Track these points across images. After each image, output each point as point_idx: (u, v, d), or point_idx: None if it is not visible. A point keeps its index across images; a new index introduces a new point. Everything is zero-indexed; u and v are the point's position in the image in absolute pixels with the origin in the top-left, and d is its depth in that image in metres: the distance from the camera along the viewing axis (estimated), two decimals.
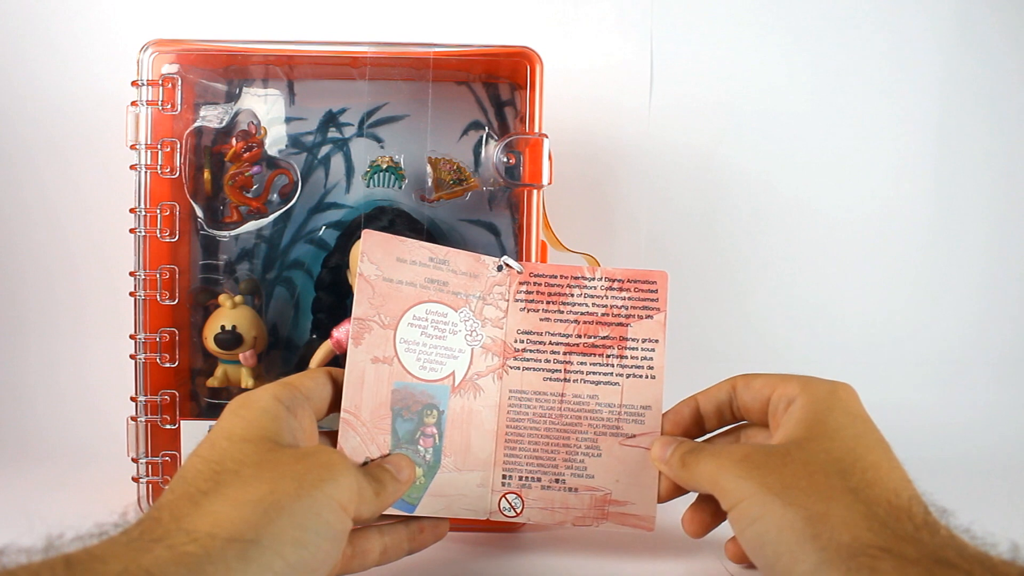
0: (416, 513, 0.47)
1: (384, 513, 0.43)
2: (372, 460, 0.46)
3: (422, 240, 0.50)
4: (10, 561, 0.29)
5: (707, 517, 0.46)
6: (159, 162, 0.56)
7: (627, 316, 0.49)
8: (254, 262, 0.60)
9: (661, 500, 0.47)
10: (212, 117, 0.58)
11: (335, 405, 0.47)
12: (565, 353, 0.49)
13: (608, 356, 0.49)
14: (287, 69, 0.59)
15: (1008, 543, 0.32)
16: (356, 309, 0.48)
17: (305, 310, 0.59)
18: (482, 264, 0.50)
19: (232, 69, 0.59)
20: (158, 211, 0.56)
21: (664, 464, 0.45)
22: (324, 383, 0.46)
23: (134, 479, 0.55)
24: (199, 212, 0.58)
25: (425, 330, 0.49)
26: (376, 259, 0.49)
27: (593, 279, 0.50)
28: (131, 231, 0.56)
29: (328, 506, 0.35)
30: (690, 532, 0.46)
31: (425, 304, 0.49)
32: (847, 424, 0.40)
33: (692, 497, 0.47)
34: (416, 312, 0.49)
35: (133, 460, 0.56)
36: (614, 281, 0.50)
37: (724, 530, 0.43)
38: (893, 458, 0.39)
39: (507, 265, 0.50)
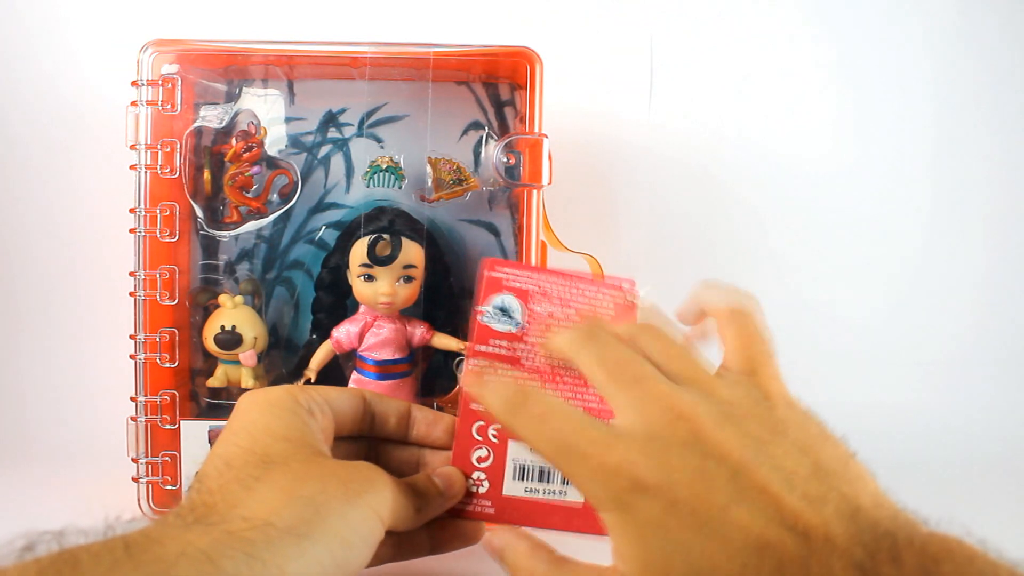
0: None
1: None
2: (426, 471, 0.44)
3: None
4: (70, 542, 0.29)
5: None
6: (159, 162, 0.56)
7: None
8: (254, 262, 0.60)
9: None
10: (212, 117, 0.58)
11: (359, 426, 0.44)
12: None
13: None
14: (287, 69, 0.59)
15: (976, 537, 0.30)
16: None
17: (305, 310, 0.59)
18: None
19: (232, 69, 0.59)
20: (158, 211, 0.56)
21: None
22: (351, 399, 0.43)
23: (134, 479, 0.56)
24: (199, 212, 0.58)
25: None
26: None
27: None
28: (131, 231, 0.56)
29: (368, 515, 0.36)
30: None
31: None
32: None
33: None
34: None
35: (133, 460, 0.56)
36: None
37: None
38: None
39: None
